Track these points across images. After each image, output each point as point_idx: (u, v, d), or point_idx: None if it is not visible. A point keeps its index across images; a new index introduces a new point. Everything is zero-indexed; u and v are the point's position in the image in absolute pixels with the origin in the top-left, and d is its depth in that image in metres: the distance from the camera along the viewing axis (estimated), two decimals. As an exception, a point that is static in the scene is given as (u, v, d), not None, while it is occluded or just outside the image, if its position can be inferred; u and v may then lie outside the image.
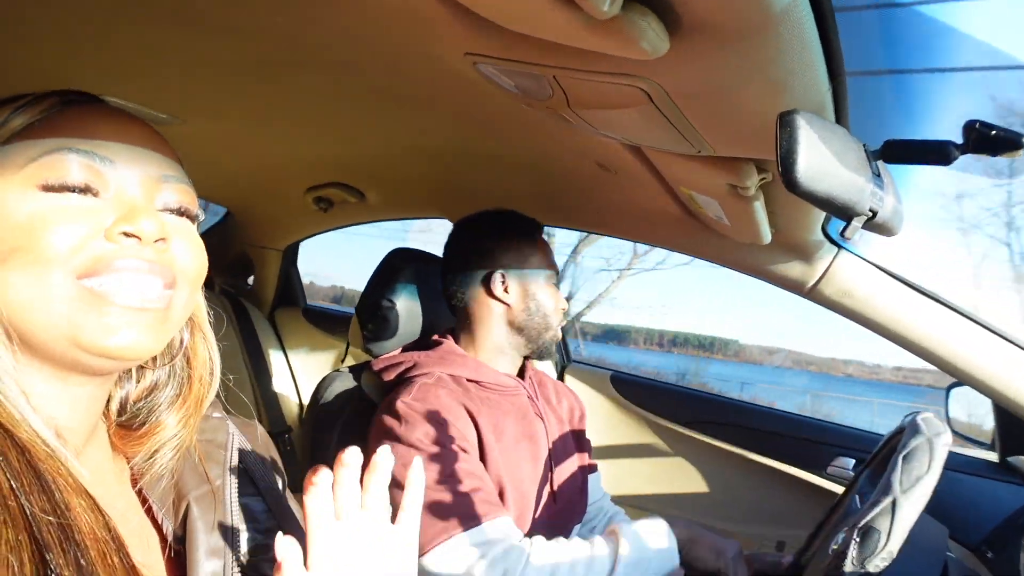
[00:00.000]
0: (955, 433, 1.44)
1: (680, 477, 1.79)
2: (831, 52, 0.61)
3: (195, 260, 0.56)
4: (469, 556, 0.97)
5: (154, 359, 0.60)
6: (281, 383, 2.37)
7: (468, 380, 1.19)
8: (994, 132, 0.56)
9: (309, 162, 1.67)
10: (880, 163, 0.65)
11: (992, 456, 1.45)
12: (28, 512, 0.42)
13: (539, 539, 1.03)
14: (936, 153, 0.60)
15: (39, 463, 0.45)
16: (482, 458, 1.11)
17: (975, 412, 1.59)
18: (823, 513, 1.19)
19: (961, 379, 1.21)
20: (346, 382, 1.44)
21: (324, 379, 1.48)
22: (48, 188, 0.49)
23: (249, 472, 0.65)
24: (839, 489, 1.49)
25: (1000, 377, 1.16)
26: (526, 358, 1.33)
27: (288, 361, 2.44)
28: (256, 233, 2.30)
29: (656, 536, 1.07)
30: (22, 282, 0.47)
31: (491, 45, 0.67)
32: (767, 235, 1.15)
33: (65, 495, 0.45)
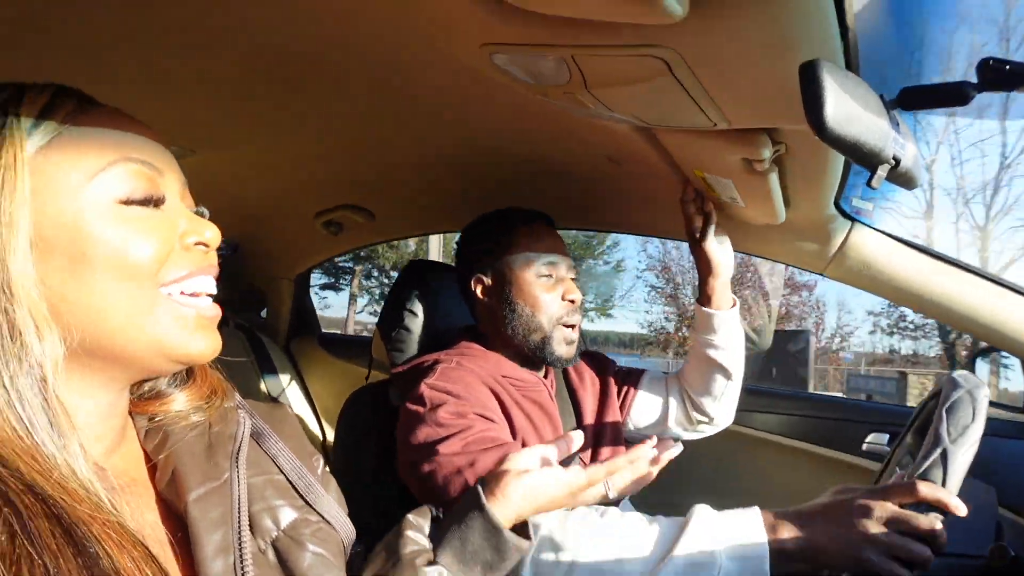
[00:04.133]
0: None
1: (711, 467, 1.78)
2: (841, 9, 0.63)
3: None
4: None
5: None
6: (302, 413, 2.37)
7: (489, 373, 1.17)
8: (1008, 67, 0.58)
9: (317, 185, 1.69)
10: (897, 112, 0.66)
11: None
12: None
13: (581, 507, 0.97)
14: (953, 95, 0.62)
15: (78, 526, 0.43)
16: (509, 434, 1.09)
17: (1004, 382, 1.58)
18: (884, 464, 1.18)
19: (989, 340, 1.21)
20: (374, 397, 1.44)
21: (351, 396, 1.49)
22: (127, 203, 0.51)
23: (270, 454, 0.65)
24: (876, 466, 1.48)
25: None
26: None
27: (307, 390, 2.44)
28: (267, 264, 2.31)
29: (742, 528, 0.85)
30: (112, 293, 0.50)
31: (509, 32, 0.69)
32: (782, 213, 1.16)
33: (114, 552, 0.43)
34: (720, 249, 1.24)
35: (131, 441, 0.60)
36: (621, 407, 1.34)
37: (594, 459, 1.22)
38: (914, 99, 0.64)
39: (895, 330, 18.04)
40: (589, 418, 1.28)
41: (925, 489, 0.77)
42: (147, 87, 1.03)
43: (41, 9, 0.79)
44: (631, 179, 1.34)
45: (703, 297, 1.27)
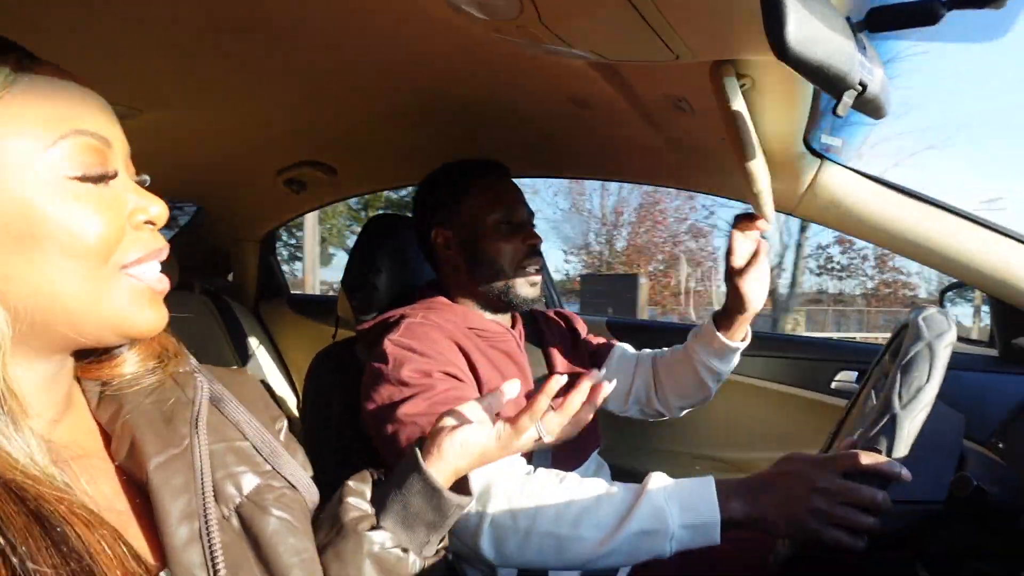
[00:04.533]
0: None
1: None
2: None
3: None
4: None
5: None
6: (273, 375, 2.34)
7: (456, 324, 1.17)
8: (979, -19, 0.55)
9: (277, 143, 1.63)
10: (864, 36, 0.63)
11: (992, 352, 1.47)
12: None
13: (541, 469, 0.99)
14: (921, 14, 0.59)
15: (45, 507, 0.43)
16: (476, 387, 1.09)
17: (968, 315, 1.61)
18: (831, 431, 1.20)
19: (958, 276, 1.21)
20: (340, 354, 1.42)
21: (317, 356, 1.46)
22: (79, 179, 0.49)
23: (232, 420, 0.63)
24: (845, 403, 1.50)
25: (998, 268, 1.16)
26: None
27: (279, 352, 2.41)
28: (230, 226, 2.25)
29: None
30: (62, 273, 0.48)
31: (454, -42, 0.64)
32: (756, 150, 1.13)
33: (84, 537, 0.44)
34: (759, 286, 1.18)
35: (80, 410, 0.58)
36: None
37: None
38: (882, 20, 0.61)
39: (823, 271, 19.60)
40: (560, 368, 1.27)
41: (867, 460, 0.79)
42: (87, 39, 0.96)
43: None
44: (595, 122, 1.30)
45: (722, 324, 1.22)
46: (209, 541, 0.54)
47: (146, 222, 0.55)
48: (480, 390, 1.09)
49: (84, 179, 0.49)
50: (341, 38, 1.00)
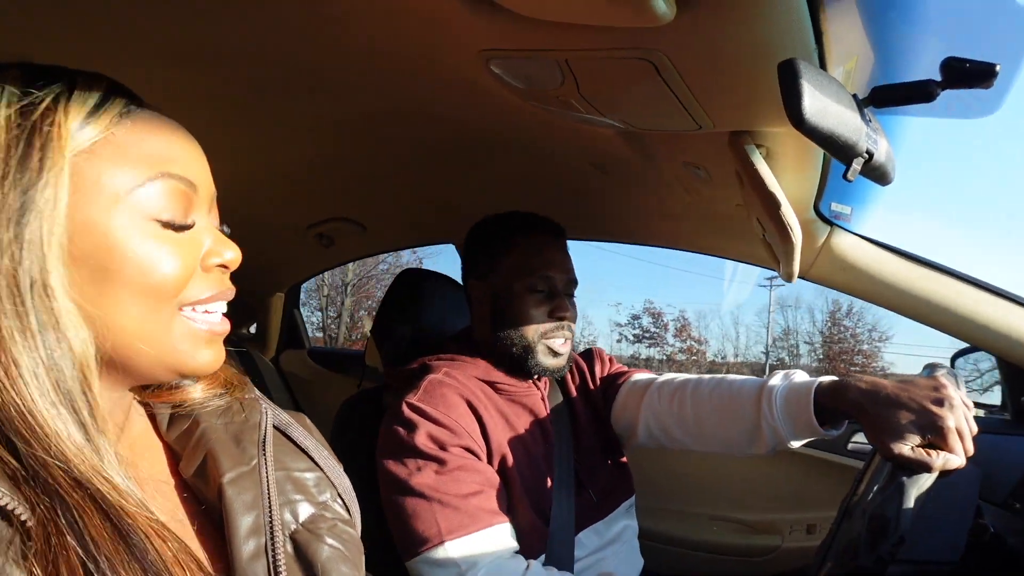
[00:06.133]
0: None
1: (703, 471, 1.81)
2: (816, 14, 0.68)
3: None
4: (457, 565, 0.96)
5: None
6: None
7: (478, 380, 1.16)
8: (968, 65, 0.63)
9: (309, 197, 1.70)
10: (869, 110, 0.71)
11: (1005, 416, 1.49)
12: None
13: (536, 564, 1.00)
14: (919, 92, 0.67)
15: (125, 521, 0.45)
16: (489, 454, 1.09)
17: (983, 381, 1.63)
18: (848, 492, 1.21)
19: (967, 339, 1.26)
20: (366, 402, 1.46)
21: (345, 402, 1.50)
22: (161, 223, 0.51)
23: (298, 444, 0.66)
24: (860, 465, 1.51)
25: (1008, 332, 1.21)
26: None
27: (297, 404, 2.44)
28: (259, 277, 2.32)
29: None
30: (129, 309, 0.49)
31: (506, 37, 0.73)
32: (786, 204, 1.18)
33: (158, 550, 0.45)
34: None
35: (139, 431, 0.60)
36: (607, 409, 1.30)
37: (588, 463, 1.23)
38: (884, 96, 0.69)
39: (638, 339, 22.79)
40: (580, 416, 1.28)
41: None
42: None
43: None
44: (616, 187, 1.38)
45: (827, 418, 1.02)
46: (274, 556, 0.56)
47: (219, 266, 0.56)
48: (491, 457, 1.09)
49: (166, 225, 0.51)
50: (379, 101, 1.07)
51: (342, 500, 0.67)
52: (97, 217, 0.48)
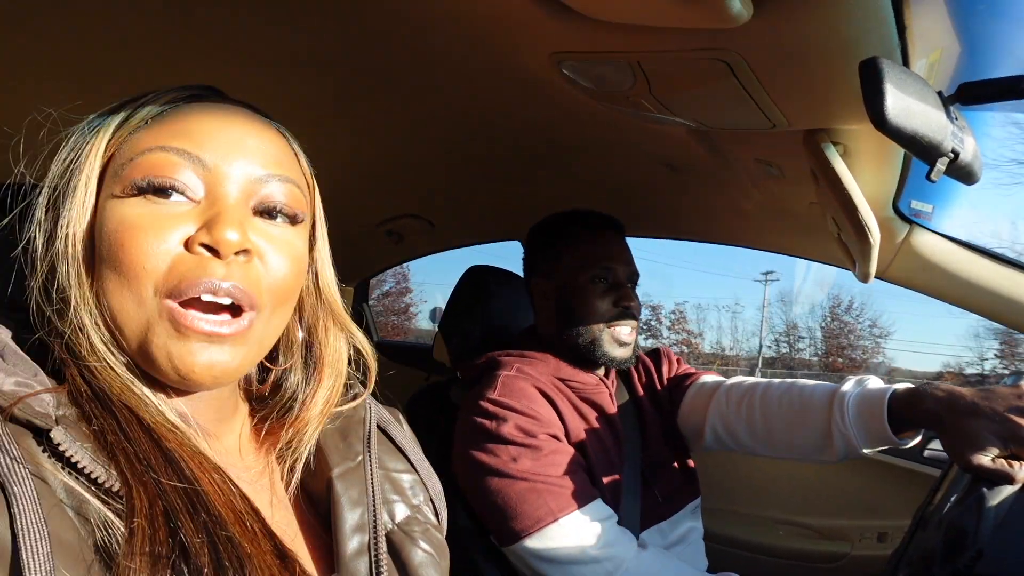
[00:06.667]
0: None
1: (771, 474, 1.78)
2: (899, 8, 0.66)
3: (283, 273, 0.52)
4: (573, 536, 1.00)
5: (273, 359, 0.60)
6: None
7: (549, 376, 1.18)
8: (1068, 60, 0.60)
9: (381, 194, 1.75)
10: (955, 108, 0.69)
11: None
12: (157, 484, 0.43)
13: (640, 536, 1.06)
14: (1011, 88, 0.64)
15: (164, 441, 0.46)
16: (569, 442, 1.12)
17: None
18: (923, 501, 1.17)
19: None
20: (433, 396, 1.50)
21: (412, 397, 1.54)
22: (140, 191, 0.47)
23: (397, 444, 0.66)
24: (936, 472, 1.46)
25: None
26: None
27: (366, 395, 2.51)
28: (330, 272, 2.40)
29: None
30: (115, 292, 0.47)
31: (578, 40, 0.74)
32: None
33: (195, 469, 0.46)
34: None
35: (242, 427, 0.60)
36: (673, 410, 1.30)
37: (654, 463, 1.23)
38: (974, 94, 0.66)
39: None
40: (648, 415, 1.28)
41: None
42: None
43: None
44: (687, 186, 1.37)
45: (902, 426, 0.98)
46: (376, 555, 0.55)
47: (204, 246, 0.48)
48: (568, 441, 1.12)
49: (140, 191, 0.47)
50: (452, 102, 1.10)
51: (433, 505, 0.66)
52: (101, 202, 0.49)
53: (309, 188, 0.59)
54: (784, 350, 22.11)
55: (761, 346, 21.99)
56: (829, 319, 20.48)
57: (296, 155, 0.58)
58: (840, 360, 19.12)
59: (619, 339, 1.19)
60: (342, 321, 0.62)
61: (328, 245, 0.63)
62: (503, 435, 1.06)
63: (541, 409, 1.10)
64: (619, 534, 1.04)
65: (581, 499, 1.02)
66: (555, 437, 1.09)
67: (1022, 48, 0.66)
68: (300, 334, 0.61)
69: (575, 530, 1.00)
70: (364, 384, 0.67)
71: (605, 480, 1.13)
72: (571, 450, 1.09)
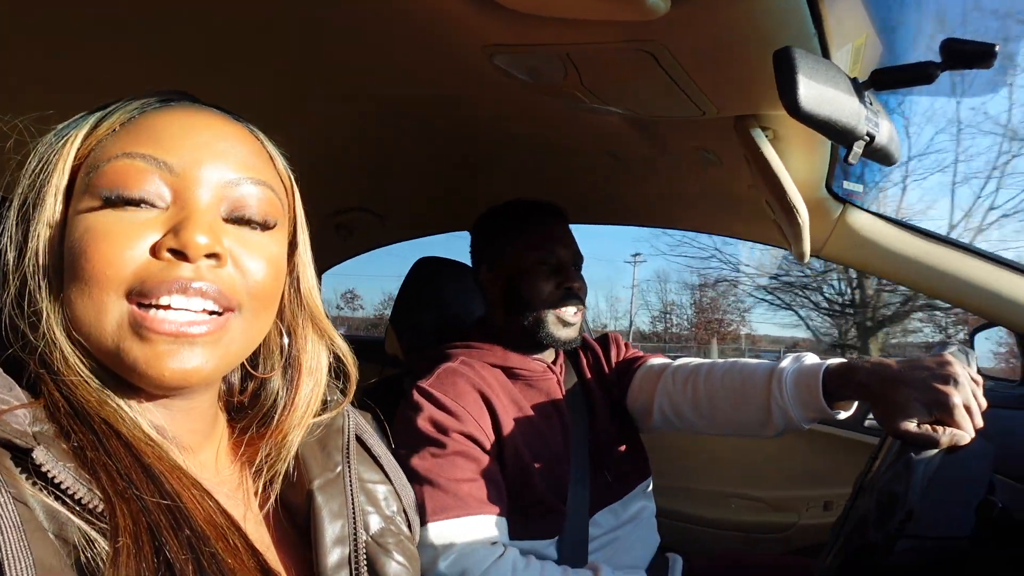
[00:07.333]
0: (984, 376, 1.47)
1: (721, 450, 1.83)
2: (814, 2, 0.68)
3: (260, 276, 0.52)
4: (434, 547, 0.97)
5: (254, 367, 0.60)
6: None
7: (494, 366, 1.19)
8: (967, 47, 0.63)
9: (327, 188, 1.73)
10: (870, 93, 0.72)
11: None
12: (140, 501, 0.43)
13: (513, 551, 1.02)
14: (919, 74, 0.67)
15: (144, 456, 0.46)
16: (498, 443, 1.10)
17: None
18: (863, 470, 1.21)
19: (984, 314, 1.26)
20: (386, 389, 1.49)
21: (364, 390, 1.52)
22: (107, 201, 0.47)
23: (372, 453, 0.65)
24: (875, 441, 1.52)
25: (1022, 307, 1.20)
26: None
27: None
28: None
29: None
30: (78, 301, 0.46)
31: (509, 33, 0.75)
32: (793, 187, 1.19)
33: (175, 485, 0.46)
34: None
35: (222, 442, 0.60)
36: (622, 393, 1.33)
37: (604, 446, 1.25)
38: (884, 79, 0.69)
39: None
40: (596, 400, 1.30)
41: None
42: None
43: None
44: (631, 174, 1.39)
45: (836, 399, 1.02)
46: (356, 567, 0.55)
47: (171, 251, 0.47)
48: (502, 445, 1.11)
49: (107, 201, 0.47)
50: (392, 94, 1.09)
51: (406, 515, 0.66)
52: (70, 213, 0.49)
53: (287, 191, 0.58)
54: (659, 327, 23.48)
55: (631, 322, 23.38)
56: (699, 296, 21.98)
57: (271, 158, 0.58)
58: (706, 334, 20.83)
59: (564, 319, 1.21)
60: (323, 327, 0.61)
61: (310, 249, 0.62)
62: (416, 427, 1.05)
63: (468, 407, 1.09)
64: (475, 553, 0.99)
65: (461, 508, 1.00)
66: (471, 438, 1.07)
67: (936, 35, 0.69)
68: (284, 340, 0.60)
69: (437, 538, 0.98)
70: (344, 392, 0.66)
71: (551, 469, 1.14)
72: (483, 457, 1.07)
